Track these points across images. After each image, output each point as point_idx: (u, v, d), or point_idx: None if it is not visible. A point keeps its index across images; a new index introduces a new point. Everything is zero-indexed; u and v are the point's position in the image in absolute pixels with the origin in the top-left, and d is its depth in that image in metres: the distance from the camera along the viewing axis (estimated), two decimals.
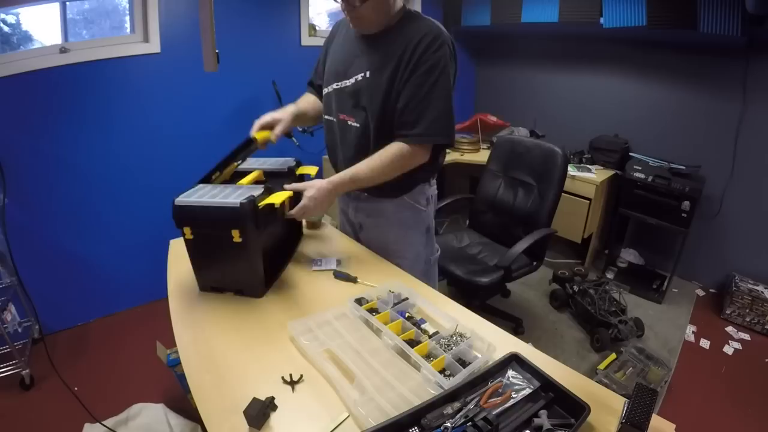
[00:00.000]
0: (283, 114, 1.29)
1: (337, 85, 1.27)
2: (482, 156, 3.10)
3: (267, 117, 1.27)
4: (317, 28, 2.88)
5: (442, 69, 1.12)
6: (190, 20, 2.25)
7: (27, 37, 2.05)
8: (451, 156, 3.14)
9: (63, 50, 1.97)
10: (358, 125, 1.25)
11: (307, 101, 1.45)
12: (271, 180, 1.31)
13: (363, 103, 1.21)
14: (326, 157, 3.03)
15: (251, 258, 1.07)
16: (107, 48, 2.09)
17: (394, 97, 1.16)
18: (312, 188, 1.16)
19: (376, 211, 1.39)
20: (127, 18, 2.25)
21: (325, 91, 1.32)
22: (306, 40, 2.80)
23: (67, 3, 2.04)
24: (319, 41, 2.89)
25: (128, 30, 2.24)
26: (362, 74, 1.20)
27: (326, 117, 1.36)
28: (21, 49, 2.01)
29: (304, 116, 1.40)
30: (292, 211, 1.16)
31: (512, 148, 2.19)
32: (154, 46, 2.20)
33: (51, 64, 1.93)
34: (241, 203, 1.00)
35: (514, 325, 2.29)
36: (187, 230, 1.05)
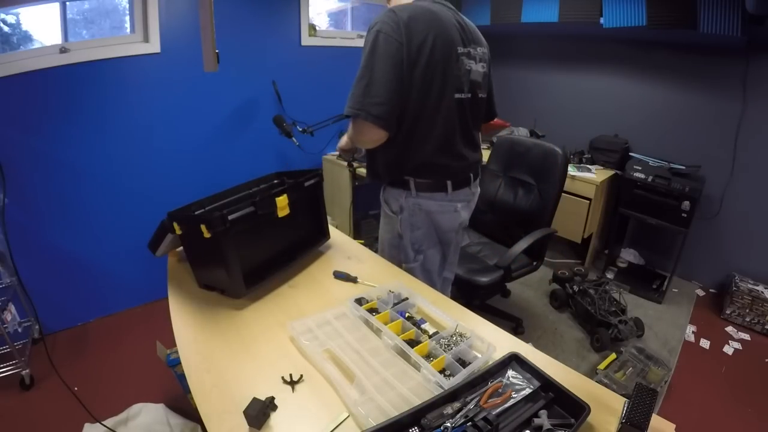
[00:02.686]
0: None
1: None
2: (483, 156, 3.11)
3: None
4: (317, 28, 2.88)
5: (368, 51, 1.14)
6: (190, 20, 2.24)
7: (27, 37, 2.04)
8: None
9: (63, 50, 1.97)
10: None
11: None
12: (291, 179, 1.38)
13: None
14: (327, 156, 3.06)
15: (224, 256, 1.08)
16: (107, 48, 2.08)
17: None
18: None
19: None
20: (127, 18, 2.25)
21: None
22: (306, 40, 2.80)
23: (67, 3, 2.04)
24: (320, 41, 2.93)
25: (128, 30, 2.24)
26: None
27: None
28: (21, 49, 2.01)
29: None
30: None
31: (512, 148, 2.19)
32: (154, 46, 2.20)
33: (51, 64, 1.93)
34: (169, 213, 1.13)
35: (514, 325, 2.29)
36: (176, 226, 1.10)
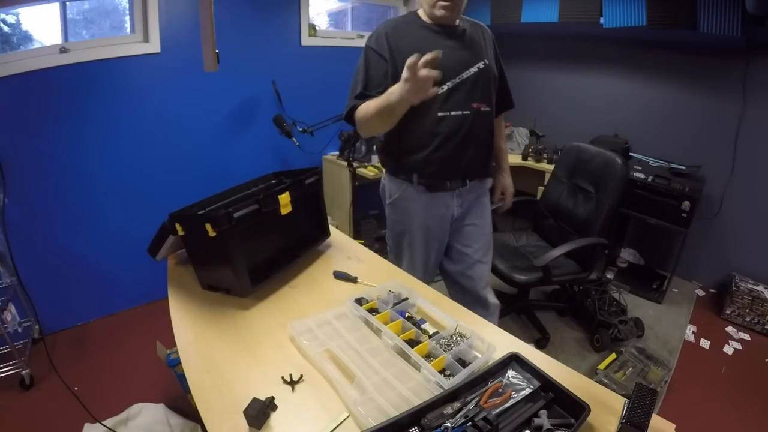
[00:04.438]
0: None
1: (458, 79, 1.35)
2: None
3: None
4: (317, 28, 2.88)
5: None
6: (190, 20, 2.24)
7: (27, 37, 2.05)
8: None
9: (63, 50, 1.97)
10: (489, 109, 1.43)
11: None
12: (289, 179, 1.38)
13: (487, 89, 1.41)
14: (327, 156, 3.05)
15: (230, 254, 1.08)
16: (107, 48, 2.09)
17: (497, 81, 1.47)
18: (505, 179, 1.71)
19: (482, 194, 1.58)
20: (127, 18, 2.25)
21: (440, 90, 1.33)
22: (306, 40, 2.81)
23: (67, 3, 2.04)
24: (320, 41, 2.93)
25: (128, 30, 2.24)
26: (481, 63, 1.39)
27: (451, 113, 1.36)
28: (21, 49, 2.01)
29: None
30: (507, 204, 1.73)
31: (578, 155, 2.18)
32: (154, 46, 2.20)
33: (51, 64, 1.93)
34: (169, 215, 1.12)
35: (538, 337, 2.22)
36: (178, 227, 1.10)
